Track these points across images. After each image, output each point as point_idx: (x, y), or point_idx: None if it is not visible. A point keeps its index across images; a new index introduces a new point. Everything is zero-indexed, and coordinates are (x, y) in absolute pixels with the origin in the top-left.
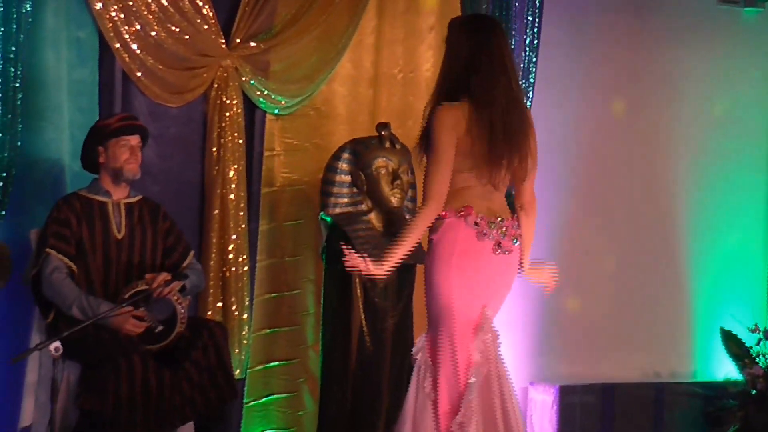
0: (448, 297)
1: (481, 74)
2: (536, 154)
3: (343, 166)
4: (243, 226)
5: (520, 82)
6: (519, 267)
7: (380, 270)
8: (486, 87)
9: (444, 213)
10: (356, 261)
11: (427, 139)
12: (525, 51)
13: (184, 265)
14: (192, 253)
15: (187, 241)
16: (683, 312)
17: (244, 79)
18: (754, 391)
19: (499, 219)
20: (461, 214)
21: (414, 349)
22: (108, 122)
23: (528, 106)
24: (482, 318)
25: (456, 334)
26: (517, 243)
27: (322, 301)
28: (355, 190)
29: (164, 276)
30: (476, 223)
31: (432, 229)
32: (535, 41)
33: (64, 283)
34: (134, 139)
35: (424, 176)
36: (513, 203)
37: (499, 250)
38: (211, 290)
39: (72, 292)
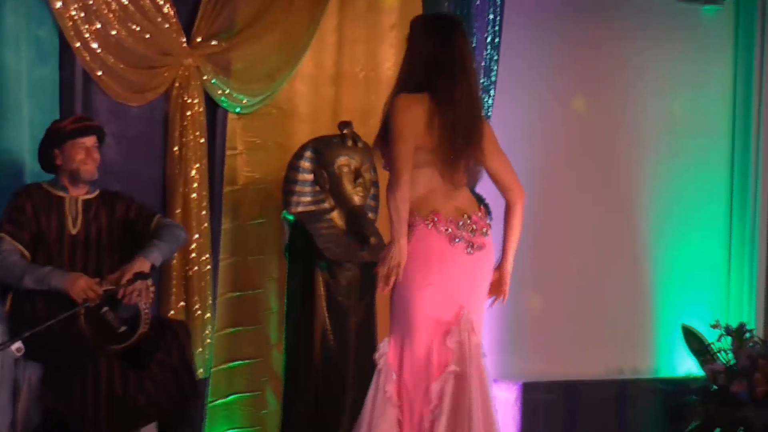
0: (425, 306)
1: (444, 74)
2: (499, 148)
3: (306, 164)
4: (205, 225)
5: (482, 80)
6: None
7: (398, 248)
8: (448, 86)
9: (413, 220)
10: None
11: (385, 130)
12: (486, 49)
13: (151, 226)
14: (157, 216)
15: (149, 207)
16: (645, 309)
17: (205, 77)
18: (715, 387)
19: (466, 216)
20: (431, 222)
21: (377, 354)
22: (62, 125)
23: (490, 104)
24: (458, 318)
25: (432, 338)
26: (487, 234)
27: (285, 300)
28: (317, 188)
29: (128, 275)
30: (446, 229)
31: None
32: (497, 39)
33: (13, 259)
34: (89, 140)
35: (389, 160)
36: (479, 198)
37: (472, 250)
38: (174, 289)
39: (20, 263)
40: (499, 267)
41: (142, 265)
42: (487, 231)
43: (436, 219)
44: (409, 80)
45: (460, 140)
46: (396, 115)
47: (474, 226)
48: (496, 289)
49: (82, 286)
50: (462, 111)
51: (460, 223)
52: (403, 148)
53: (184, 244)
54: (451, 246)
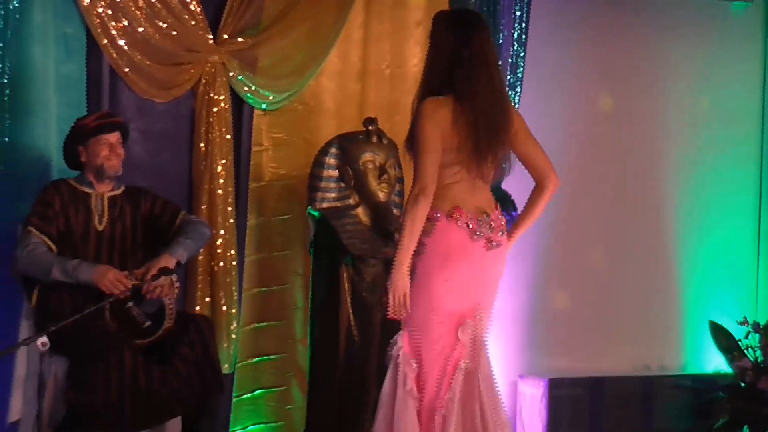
0: (445, 299)
1: (464, 69)
2: (531, 136)
3: (331, 160)
4: (231, 220)
5: (508, 77)
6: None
7: (400, 276)
8: (468, 82)
9: (435, 215)
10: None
11: (413, 134)
12: (513, 46)
13: (175, 225)
14: (182, 212)
15: (174, 204)
16: (673, 305)
17: (231, 74)
18: (743, 384)
19: (486, 215)
20: (452, 216)
21: (393, 347)
22: (86, 122)
23: (516, 100)
24: (473, 314)
25: (448, 333)
26: (503, 234)
27: (310, 296)
28: (342, 184)
29: (153, 271)
30: (468, 225)
31: (423, 232)
32: (523, 36)
33: (41, 252)
34: (113, 137)
35: (413, 168)
36: (500, 197)
37: (490, 246)
38: (200, 285)
39: (48, 256)
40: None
41: (168, 261)
42: (503, 231)
43: (458, 214)
44: (432, 78)
45: (484, 135)
46: (420, 124)
47: (492, 224)
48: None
49: (110, 278)
50: (483, 105)
51: (480, 219)
52: (427, 160)
53: (209, 241)
54: (471, 241)
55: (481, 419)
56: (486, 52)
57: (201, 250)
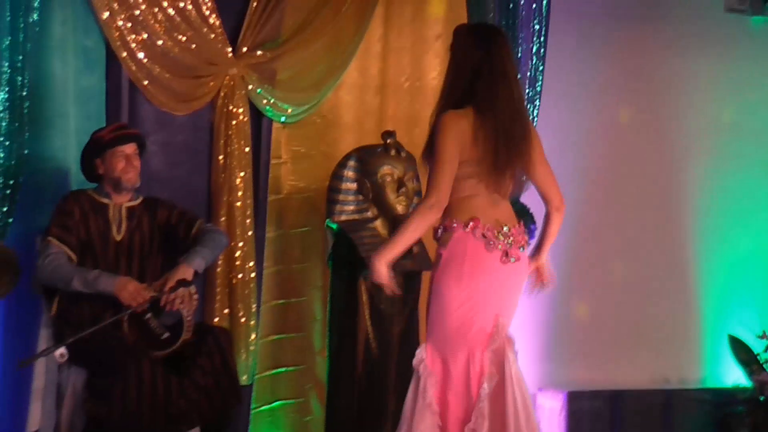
0: (462, 311)
1: (483, 82)
2: (544, 159)
3: (349, 173)
4: (250, 233)
5: (527, 90)
6: (530, 260)
7: (380, 264)
8: (488, 95)
9: (452, 225)
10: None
11: (431, 145)
12: (532, 59)
13: (192, 233)
14: (199, 221)
15: (191, 212)
16: (692, 318)
17: (250, 87)
18: (762, 398)
19: (506, 228)
20: (469, 227)
21: (415, 360)
22: (101, 134)
23: (535, 114)
24: (495, 327)
25: (469, 345)
26: (524, 251)
27: (328, 308)
28: (360, 197)
29: (171, 283)
30: (484, 235)
31: (440, 242)
32: (542, 50)
33: (61, 263)
34: (129, 148)
35: (428, 179)
36: (518, 210)
37: (506, 260)
38: (218, 297)
39: (69, 267)
40: (534, 259)
41: (186, 272)
42: (524, 247)
43: (474, 224)
44: (452, 91)
45: (503, 149)
46: (440, 136)
47: (512, 238)
48: (537, 279)
49: (130, 290)
50: (504, 120)
51: (498, 232)
52: (443, 173)
53: (226, 249)
54: (487, 251)
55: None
56: (507, 66)
57: (218, 258)
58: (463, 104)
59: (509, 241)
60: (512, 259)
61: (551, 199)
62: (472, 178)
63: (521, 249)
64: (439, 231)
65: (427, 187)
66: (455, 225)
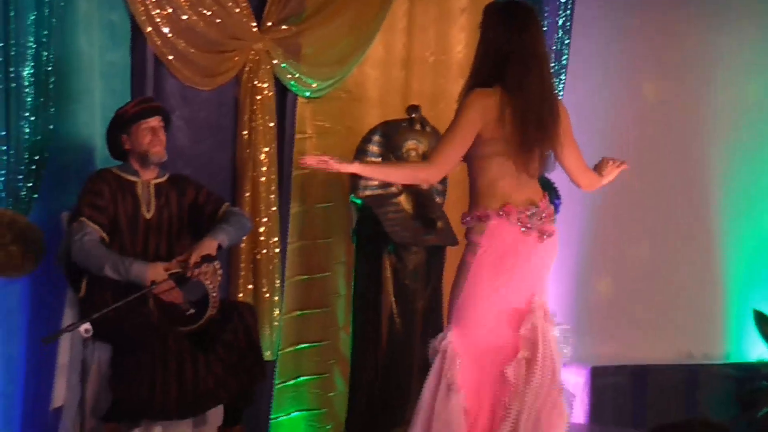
0: (498, 297)
1: (514, 62)
2: (573, 140)
3: (374, 148)
4: (274, 208)
5: (552, 64)
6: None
7: (348, 166)
8: (519, 75)
9: (486, 213)
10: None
11: None
12: (557, 33)
13: (219, 214)
14: (226, 204)
15: (217, 194)
16: (716, 294)
17: (275, 62)
18: None
19: (535, 206)
20: (503, 212)
21: (439, 341)
22: (126, 109)
23: (561, 88)
24: (530, 306)
25: (503, 328)
26: (555, 220)
27: (353, 283)
28: None
29: (195, 258)
30: (519, 220)
31: (475, 231)
32: (568, 23)
33: (95, 245)
34: (154, 121)
35: (437, 145)
36: (542, 185)
37: (543, 238)
38: (242, 272)
39: (103, 251)
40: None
41: (210, 245)
42: (553, 219)
43: (507, 209)
44: (481, 70)
45: (532, 128)
46: (461, 109)
47: (542, 214)
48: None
49: (164, 276)
50: (533, 99)
51: (530, 212)
52: (451, 142)
53: (249, 233)
54: (524, 235)
55: (536, 413)
56: (537, 46)
57: (242, 240)
58: (491, 83)
59: (541, 218)
60: (547, 236)
61: (579, 183)
62: (499, 157)
63: (552, 222)
64: (473, 220)
65: (432, 151)
66: (489, 213)
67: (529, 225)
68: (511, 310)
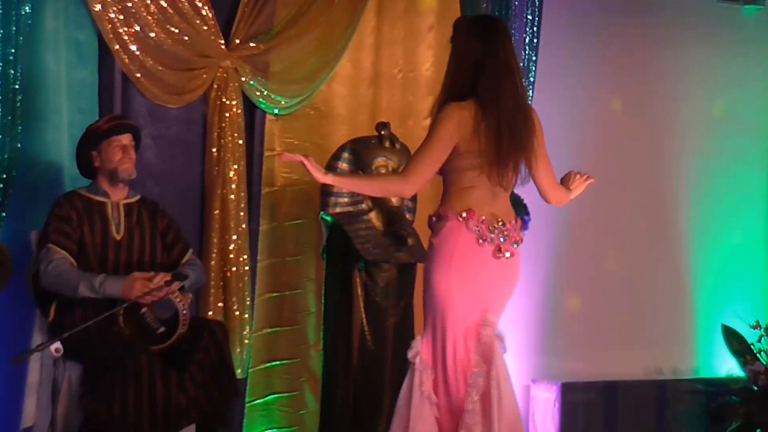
0: (447, 299)
1: (487, 75)
2: (546, 153)
3: (343, 165)
4: (243, 226)
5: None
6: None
7: (322, 176)
8: (492, 88)
9: (446, 214)
10: (295, 156)
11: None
12: (525, 50)
13: (183, 261)
14: (191, 250)
15: (185, 238)
16: (685, 309)
17: (243, 79)
18: (756, 388)
19: (501, 223)
20: (462, 218)
21: (410, 352)
22: (97, 125)
23: None
24: (482, 321)
25: (455, 336)
26: (518, 247)
27: (323, 301)
28: None
29: (163, 276)
30: (477, 228)
31: (433, 231)
32: (535, 40)
33: (65, 269)
34: (125, 138)
35: (412, 156)
36: (513, 201)
37: (499, 254)
38: (213, 290)
39: (75, 273)
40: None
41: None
42: (518, 244)
43: (469, 215)
44: (454, 84)
45: (506, 140)
46: (437, 122)
47: (506, 233)
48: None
49: (138, 288)
50: (507, 111)
51: (492, 226)
52: (426, 156)
53: (200, 287)
54: (478, 245)
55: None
56: (510, 59)
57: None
58: (465, 97)
59: (504, 235)
60: (506, 254)
61: (549, 198)
62: (473, 170)
63: (515, 245)
64: (434, 219)
65: (407, 164)
66: (449, 214)
67: (486, 237)
68: (464, 320)
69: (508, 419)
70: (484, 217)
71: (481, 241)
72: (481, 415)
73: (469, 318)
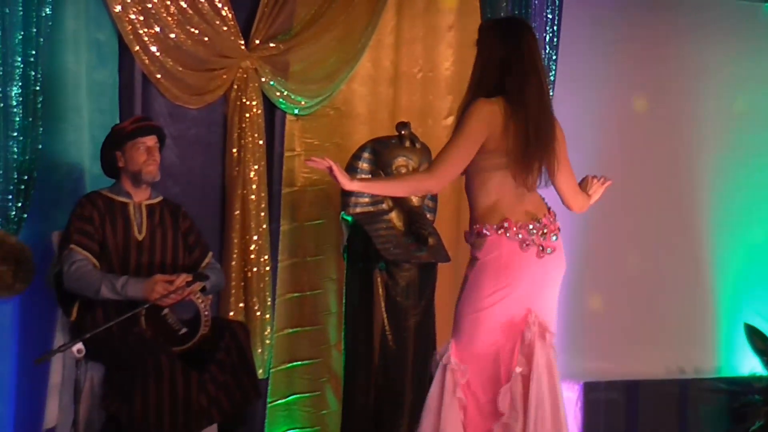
0: (498, 312)
1: (514, 74)
2: (567, 158)
3: (364, 165)
4: (264, 226)
5: None
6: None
7: (348, 182)
8: (518, 88)
9: (484, 229)
10: (322, 162)
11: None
12: (545, 49)
13: (203, 264)
14: (211, 253)
15: (206, 241)
16: (707, 308)
17: (263, 79)
18: None
19: (536, 221)
20: (501, 229)
21: (440, 353)
22: (123, 126)
23: None
24: (526, 322)
25: (505, 345)
26: (557, 239)
27: (344, 301)
28: None
29: (185, 277)
30: (517, 234)
31: (474, 246)
32: (555, 39)
33: (87, 271)
34: (150, 140)
35: (439, 152)
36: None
37: (543, 253)
38: (234, 291)
39: (97, 275)
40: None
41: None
42: (557, 233)
43: (506, 225)
44: (480, 83)
45: (533, 140)
46: (466, 117)
47: (544, 229)
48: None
49: (159, 290)
50: (533, 111)
51: (531, 227)
52: (456, 153)
53: (220, 289)
54: (522, 251)
55: (536, 428)
56: (536, 59)
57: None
58: (493, 95)
59: (542, 233)
60: (548, 251)
61: (572, 205)
62: (499, 171)
63: (554, 237)
64: (473, 236)
65: (435, 160)
66: (487, 229)
67: (528, 241)
68: (508, 324)
69: (548, 420)
70: (520, 222)
71: (524, 246)
72: (521, 416)
73: (515, 322)
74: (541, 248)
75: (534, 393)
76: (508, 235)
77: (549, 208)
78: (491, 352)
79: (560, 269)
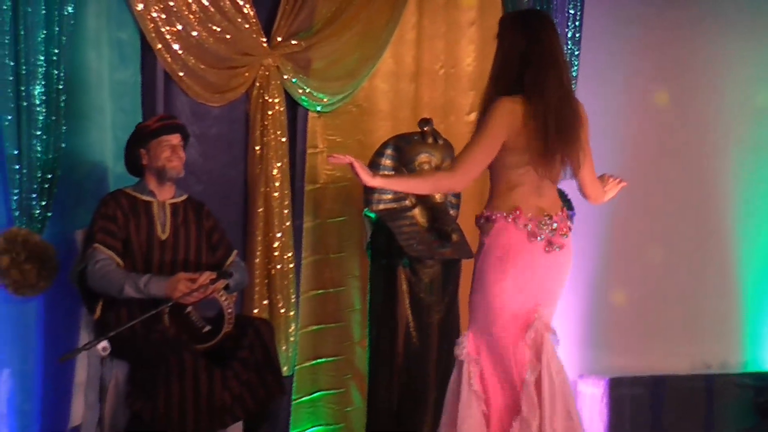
0: (502, 299)
1: (532, 68)
2: (588, 147)
3: (386, 162)
4: (287, 223)
5: None
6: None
7: (371, 178)
8: (537, 80)
9: (494, 215)
10: (344, 158)
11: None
12: (567, 44)
13: (227, 263)
14: (235, 252)
15: (229, 239)
16: (733, 302)
17: (285, 77)
18: None
19: (548, 217)
20: (511, 217)
21: (457, 348)
22: (147, 124)
23: None
24: (534, 316)
25: (506, 332)
26: (567, 238)
27: (368, 298)
28: None
29: (208, 275)
30: (526, 225)
31: (483, 231)
32: (577, 34)
33: (110, 270)
34: (175, 138)
35: (461, 150)
36: (562, 200)
37: (550, 249)
38: (257, 288)
39: (120, 273)
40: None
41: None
42: (567, 233)
43: (517, 213)
44: (501, 79)
45: (553, 133)
46: (488, 115)
47: (554, 226)
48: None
49: (182, 290)
50: (553, 105)
51: (541, 221)
52: (475, 148)
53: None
54: (529, 242)
55: (550, 422)
56: (556, 52)
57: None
58: (512, 92)
59: (552, 229)
60: (556, 248)
61: (589, 194)
62: (521, 167)
63: (564, 236)
64: (482, 220)
65: (456, 158)
66: (496, 215)
67: (536, 234)
68: (516, 317)
69: (561, 411)
70: (531, 214)
71: (532, 237)
72: (536, 408)
73: (521, 313)
74: (549, 243)
75: (546, 389)
76: (516, 223)
77: (563, 208)
78: (501, 343)
79: (567, 267)
